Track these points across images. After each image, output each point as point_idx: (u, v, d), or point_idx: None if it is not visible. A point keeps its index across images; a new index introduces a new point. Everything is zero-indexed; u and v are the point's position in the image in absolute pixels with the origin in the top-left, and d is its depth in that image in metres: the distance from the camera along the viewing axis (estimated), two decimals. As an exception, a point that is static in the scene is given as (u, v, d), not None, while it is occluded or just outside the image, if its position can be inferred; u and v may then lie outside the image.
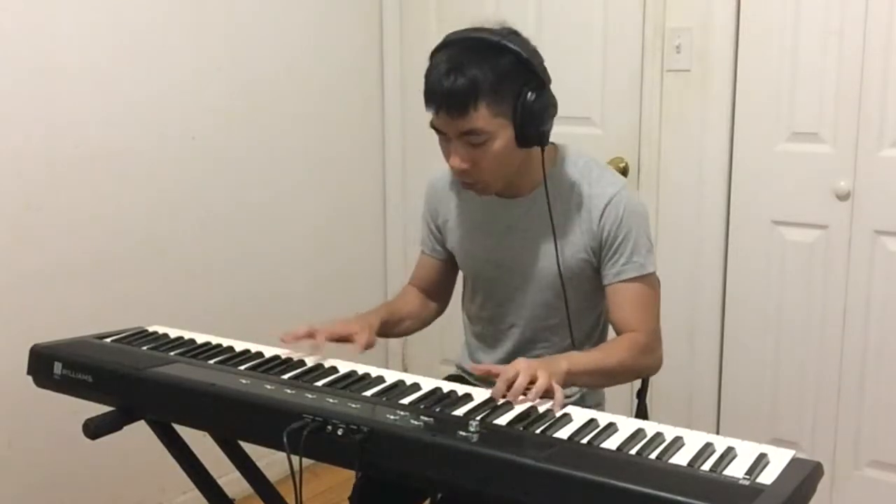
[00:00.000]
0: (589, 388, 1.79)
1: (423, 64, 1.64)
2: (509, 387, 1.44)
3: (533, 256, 1.77)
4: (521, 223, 1.78)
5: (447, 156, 1.65)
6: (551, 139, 1.69)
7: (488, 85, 1.56)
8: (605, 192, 1.72)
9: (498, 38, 1.59)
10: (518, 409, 1.40)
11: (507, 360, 1.71)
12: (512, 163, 1.66)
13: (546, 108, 1.61)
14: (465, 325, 1.97)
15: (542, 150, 1.68)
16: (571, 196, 1.74)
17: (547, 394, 1.43)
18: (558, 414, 1.39)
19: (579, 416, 1.37)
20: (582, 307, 1.80)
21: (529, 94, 1.59)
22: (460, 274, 1.98)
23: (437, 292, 1.97)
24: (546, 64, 1.66)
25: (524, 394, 1.43)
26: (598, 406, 1.89)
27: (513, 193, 1.77)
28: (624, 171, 2.78)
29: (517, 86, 1.59)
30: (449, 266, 1.95)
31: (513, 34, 1.63)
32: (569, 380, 1.56)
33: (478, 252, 1.84)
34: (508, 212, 1.79)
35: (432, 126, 1.65)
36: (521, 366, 1.47)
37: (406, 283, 2.02)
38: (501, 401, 1.43)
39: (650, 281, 1.74)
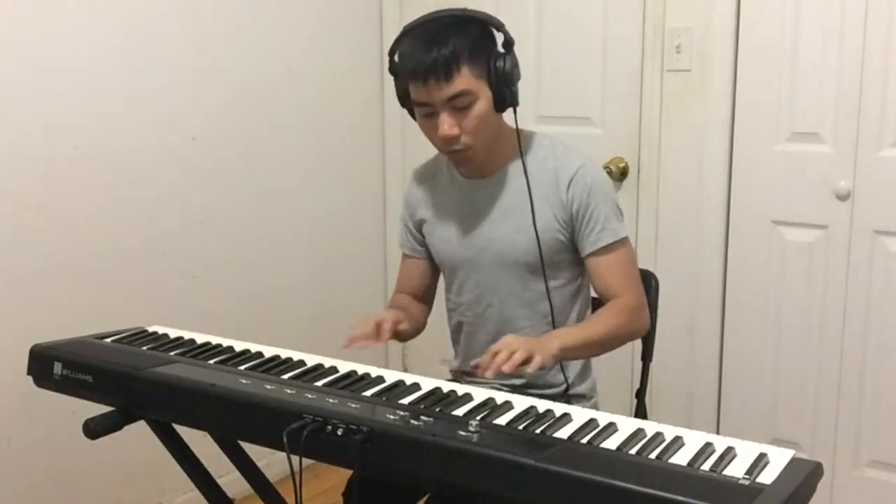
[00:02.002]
0: (585, 359, 1.87)
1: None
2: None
3: (505, 233, 1.82)
4: (491, 202, 1.84)
5: (433, 130, 1.72)
6: (520, 126, 1.79)
7: (466, 50, 1.66)
8: (570, 165, 1.79)
9: (461, 12, 1.71)
10: (518, 408, 1.41)
11: (492, 341, 1.71)
12: (491, 127, 1.75)
13: (514, 67, 1.72)
14: (449, 322, 1.99)
15: (515, 111, 1.76)
16: (539, 171, 1.80)
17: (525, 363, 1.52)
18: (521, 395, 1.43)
19: (579, 416, 1.37)
20: (557, 280, 1.84)
21: (500, 56, 1.70)
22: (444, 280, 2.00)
23: (421, 296, 2.01)
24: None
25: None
26: (591, 399, 1.92)
27: (482, 174, 1.84)
28: (624, 171, 2.79)
29: (488, 49, 1.71)
30: (431, 266, 1.99)
31: (469, 10, 1.73)
32: (563, 356, 1.64)
33: (452, 236, 1.89)
34: (478, 192, 1.85)
35: (416, 102, 1.72)
36: (507, 341, 1.55)
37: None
38: (489, 374, 1.51)
39: (625, 245, 1.82)
